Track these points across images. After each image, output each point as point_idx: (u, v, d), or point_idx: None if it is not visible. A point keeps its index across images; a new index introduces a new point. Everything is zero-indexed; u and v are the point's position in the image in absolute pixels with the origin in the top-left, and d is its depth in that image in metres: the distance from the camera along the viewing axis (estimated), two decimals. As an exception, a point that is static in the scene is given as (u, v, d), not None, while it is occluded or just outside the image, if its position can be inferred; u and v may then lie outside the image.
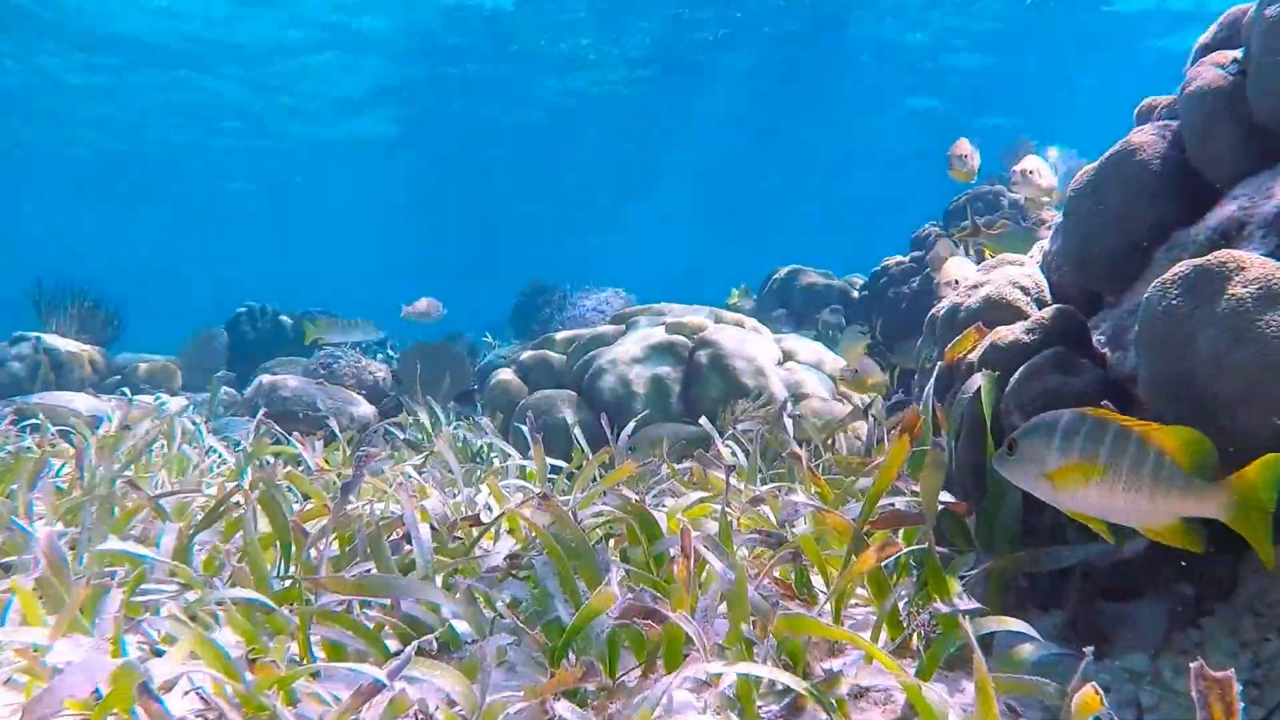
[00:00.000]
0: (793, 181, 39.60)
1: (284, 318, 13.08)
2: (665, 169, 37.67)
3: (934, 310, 4.16)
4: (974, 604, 2.29)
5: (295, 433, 5.52)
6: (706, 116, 29.29)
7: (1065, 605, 2.54)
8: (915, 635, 2.36)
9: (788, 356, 6.72)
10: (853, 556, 2.48)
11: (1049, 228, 6.38)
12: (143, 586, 2.55)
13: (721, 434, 5.65)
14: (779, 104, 28.74)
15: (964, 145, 5.93)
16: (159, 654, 2.21)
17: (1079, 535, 2.42)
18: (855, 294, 10.60)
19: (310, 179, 39.19)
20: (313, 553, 2.71)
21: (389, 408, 8.03)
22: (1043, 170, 5.63)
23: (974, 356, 3.11)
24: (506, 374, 7.15)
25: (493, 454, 6.62)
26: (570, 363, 7.00)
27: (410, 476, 4.08)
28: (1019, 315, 3.31)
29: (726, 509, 3.00)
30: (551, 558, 2.52)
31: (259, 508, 2.92)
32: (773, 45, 23.42)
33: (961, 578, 2.62)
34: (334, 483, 4.45)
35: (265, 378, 7.00)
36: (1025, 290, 3.48)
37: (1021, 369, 2.74)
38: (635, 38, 23.39)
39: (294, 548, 2.83)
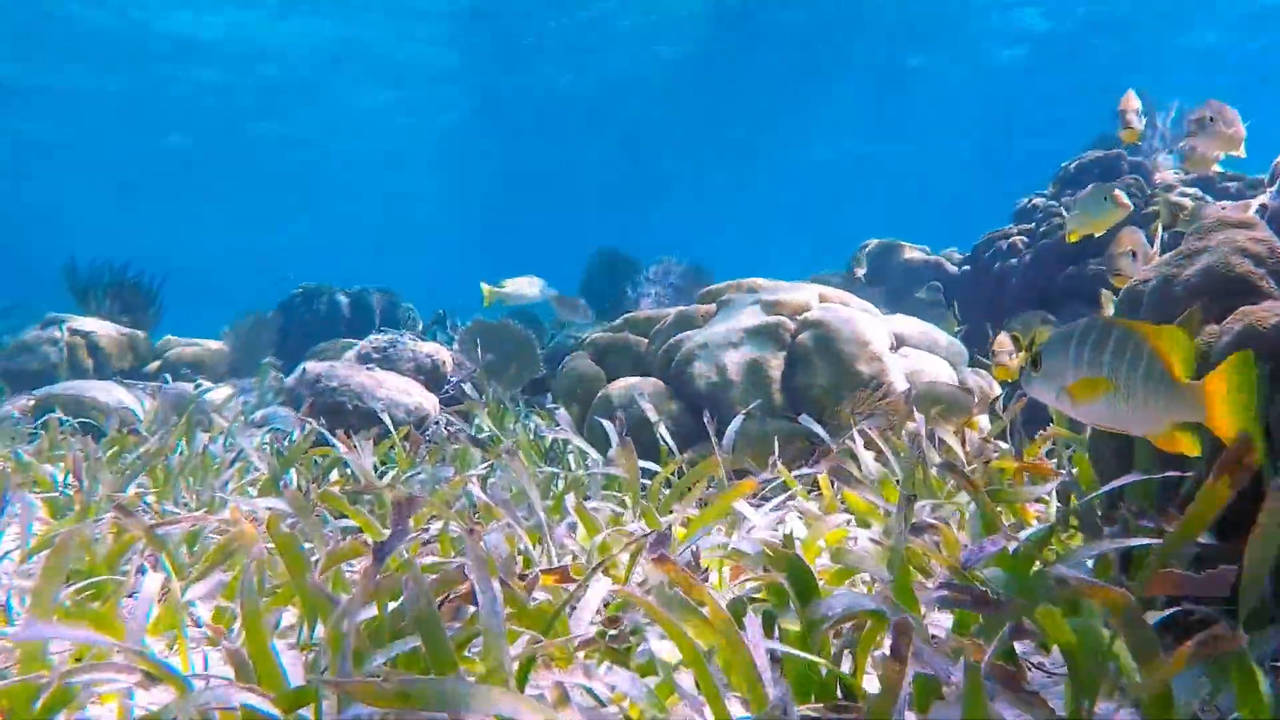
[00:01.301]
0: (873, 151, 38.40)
1: (341, 297, 12.40)
2: (739, 138, 36.53)
3: (1129, 285, 3.23)
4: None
5: (340, 431, 4.76)
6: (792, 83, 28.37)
7: None
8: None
9: (898, 339, 5.84)
10: (1135, 656, 1.64)
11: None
12: (90, 682, 1.76)
13: (834, 432, 4.81)
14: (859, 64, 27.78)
15: (1133, 99, 5.00)
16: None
17: None
18: (952, 269, 9.64)
19: (361, 148, 38.54)
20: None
21: (450, 396, 7.26)
22: (1228, 117, 4.68)
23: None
24: (581, 359, 6.33)
25: (569, 449, 5.83)
26: (654, 346, 6.17)
27: (474, 496, 3.29)
28: (1252, 290, 2.56)
29: (899, 544, 2.19)
30: (678, 647, 1.70)
31: (277, 553, 2.14)
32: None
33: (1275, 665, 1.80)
34: (384, 491, 3.67)
35: (310, 365, 6.26)
36: (1259, 260, 2.66)
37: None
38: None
39: (320, 617, 2.04)
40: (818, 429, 4.43)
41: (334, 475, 4.44)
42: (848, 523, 3.02)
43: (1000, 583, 2.22)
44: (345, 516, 3.20)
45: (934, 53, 28.06)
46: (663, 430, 4.86)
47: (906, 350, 5.67)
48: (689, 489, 3.99)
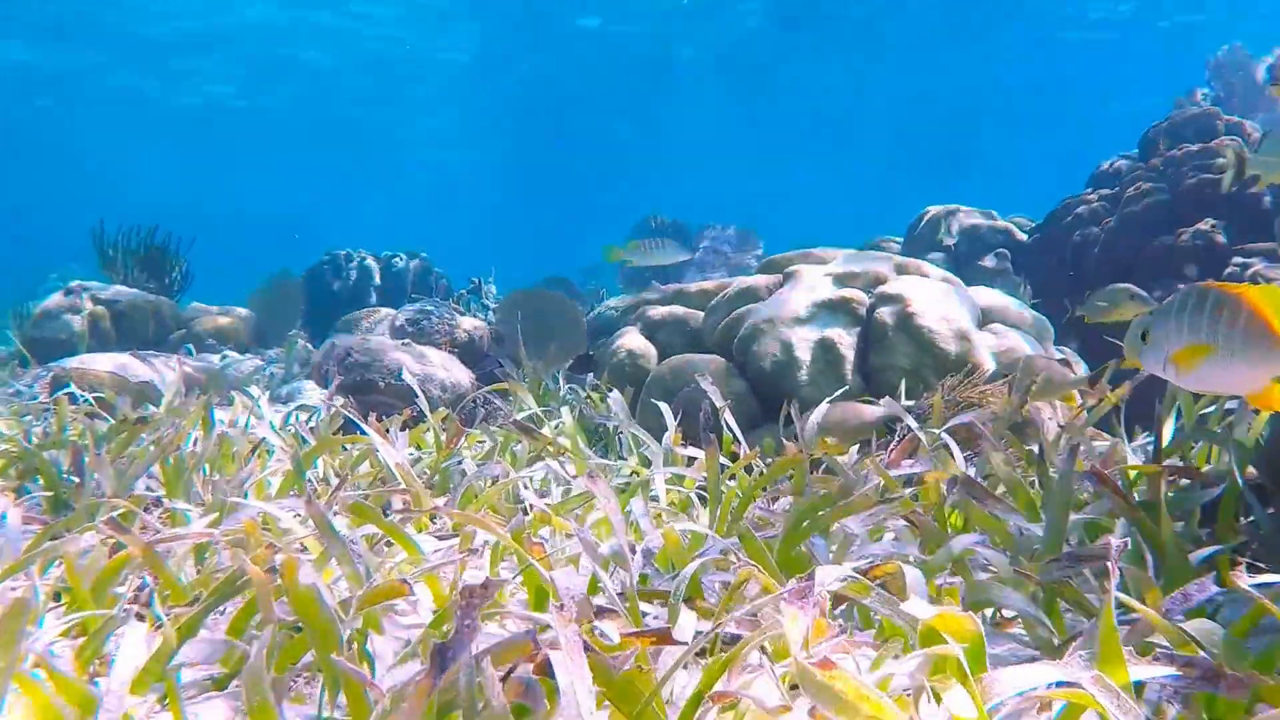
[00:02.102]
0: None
1: (371, 262, 11.93)
2: (790, 101, 35.61)
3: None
4: None
5: (371, 416, 4.29)
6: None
7: None
8: None
9: (983, 314, 5.30)
10: None
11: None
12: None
13: (921, 418, 4.30)
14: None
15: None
16: None
17: None
18: (1021, 236, 9.05)
19: (389, 110, 37.87)
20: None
21: (488, 373, 6.79)
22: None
23: None
24: (631, 335, 5.84)
25: (617, 431, 5.35)
26: (712, 321, 5.67)
27: (528, 501, 2.81)
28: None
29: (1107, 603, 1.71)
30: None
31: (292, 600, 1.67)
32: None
33: None
34: (423, 495, 3.20)
35: (339, 339, 5.79)
36: None
37: None
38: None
39: (342, 689, 1.56)
40: (905, 416, 3.91)
41: (365, 467, 3.97)
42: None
43: (1210, 638, 1.72)
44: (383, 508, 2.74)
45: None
46: (729, 417, 4.37)
47: (996, 326, 5.13)
48: (764, 488, 3.50)
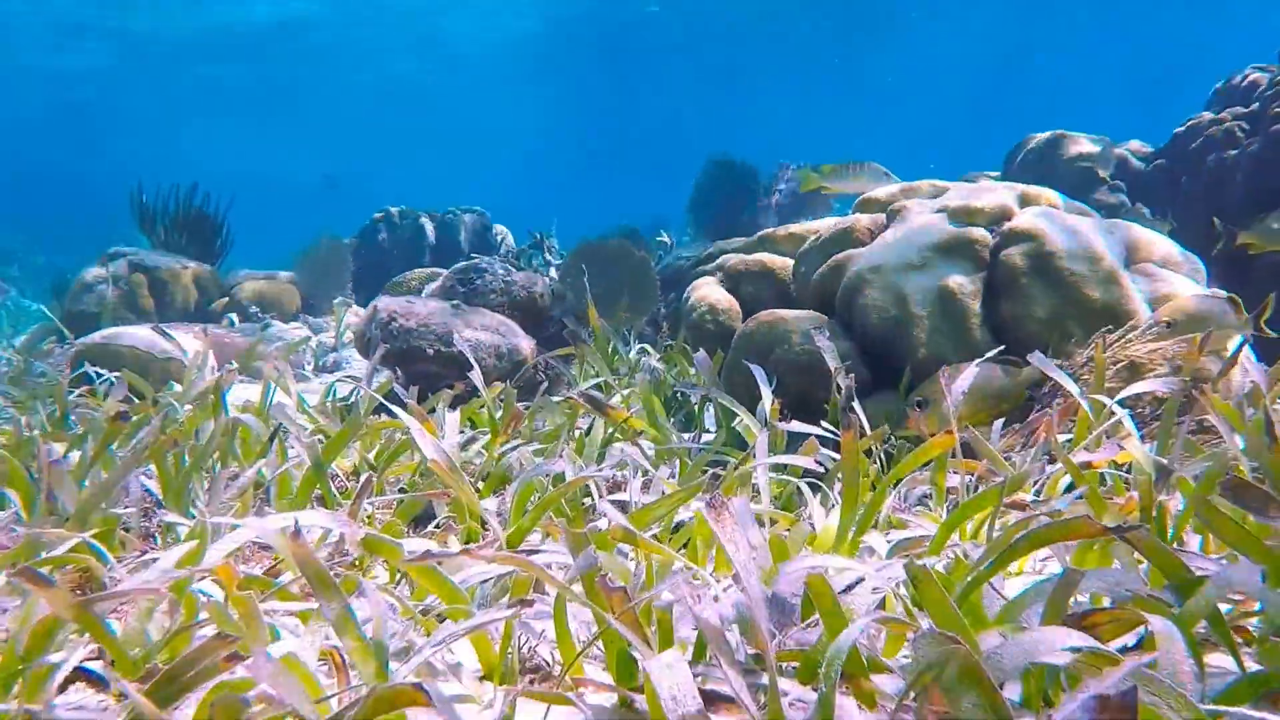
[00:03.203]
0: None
1: (426, 221, 11.29)
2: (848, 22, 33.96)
3: None
4: None
5: (416, 389, 3.64)
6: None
7: None
8: None
9: (1128, 251, 4.48)
10: None
11: None
12: None
13: (1073, 377, 3.53)
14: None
15: None
16: None
17: None
18: (1137, 164, 8.11)
19: (441, 63, 36.96)
20: None
21: (551, 335, 6.11)
22: None
23: None
24: (710, 287, 5.12)
25: (707, 400, 4.65)
26: (802, 269, 4.92)
27: (601, 508, 2.12)
28: None
29: None
30: None
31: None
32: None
33: None
34: (473, 501, 2.52)
35: (383, 302, 5.13)
36: None
37: None
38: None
39: None
40: (1064, 378, 3.15)
41: (405, 456, 3.31)
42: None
43: None
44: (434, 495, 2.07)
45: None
46: (844, 383, 3.64)
47: (1147, 267, 4.32)
48: (895, 481, 2.78)
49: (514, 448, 3.42)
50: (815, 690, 1.46)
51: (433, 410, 3.88)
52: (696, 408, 4.57)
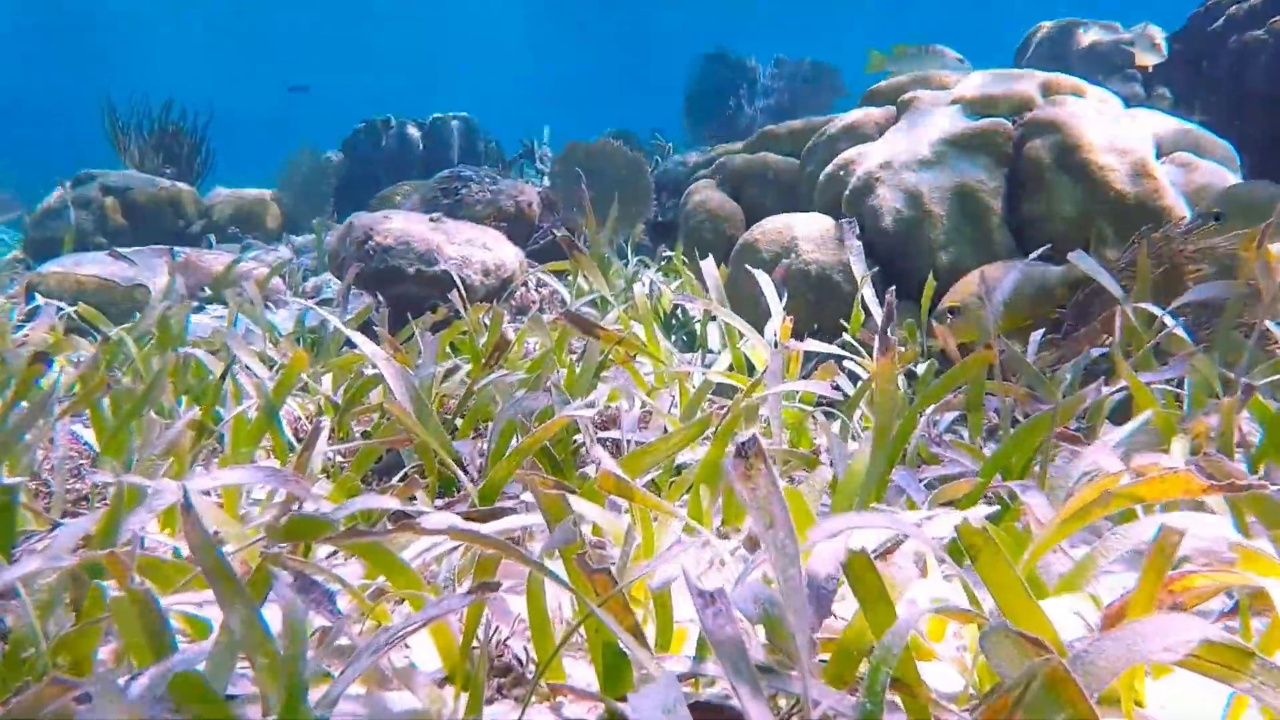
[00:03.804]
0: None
1: (412, 129, 10.84)
2: None
3: None
4: None
5: (385, 314, 3.34)
6: None
7: None
8: None
9: (1158, 143, 4.14)
10: None
11: None
12: None
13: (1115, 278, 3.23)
14: None
15: None
16: None
17: None
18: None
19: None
20: None
21: (541, 245, 5.78)
22: None
23: None
24: (709, 191, 4.78)
25: (690, 318, 4.35)
26: (808, 169, 4.58)
27: (593, 454, 1.83)
28: None
29: None
30: None
31: None
32: None
33: None
34: (441, 450, 2.23)
35: (357, 218, 4.80)
36: None
37: None
38: None
39: None
40: (1104, 276, 2.84)
41: (376, 393, 3.01)
42: None
43: None
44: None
45: None
46: (868, 293, 3.35)
47: (1181, 156, 3.98)
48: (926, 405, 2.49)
49: (499, 378, 3.12)
50: (852, 695, 1.19)
51: (410, 338, 3.59)
52: (699, 326, 4.27)
